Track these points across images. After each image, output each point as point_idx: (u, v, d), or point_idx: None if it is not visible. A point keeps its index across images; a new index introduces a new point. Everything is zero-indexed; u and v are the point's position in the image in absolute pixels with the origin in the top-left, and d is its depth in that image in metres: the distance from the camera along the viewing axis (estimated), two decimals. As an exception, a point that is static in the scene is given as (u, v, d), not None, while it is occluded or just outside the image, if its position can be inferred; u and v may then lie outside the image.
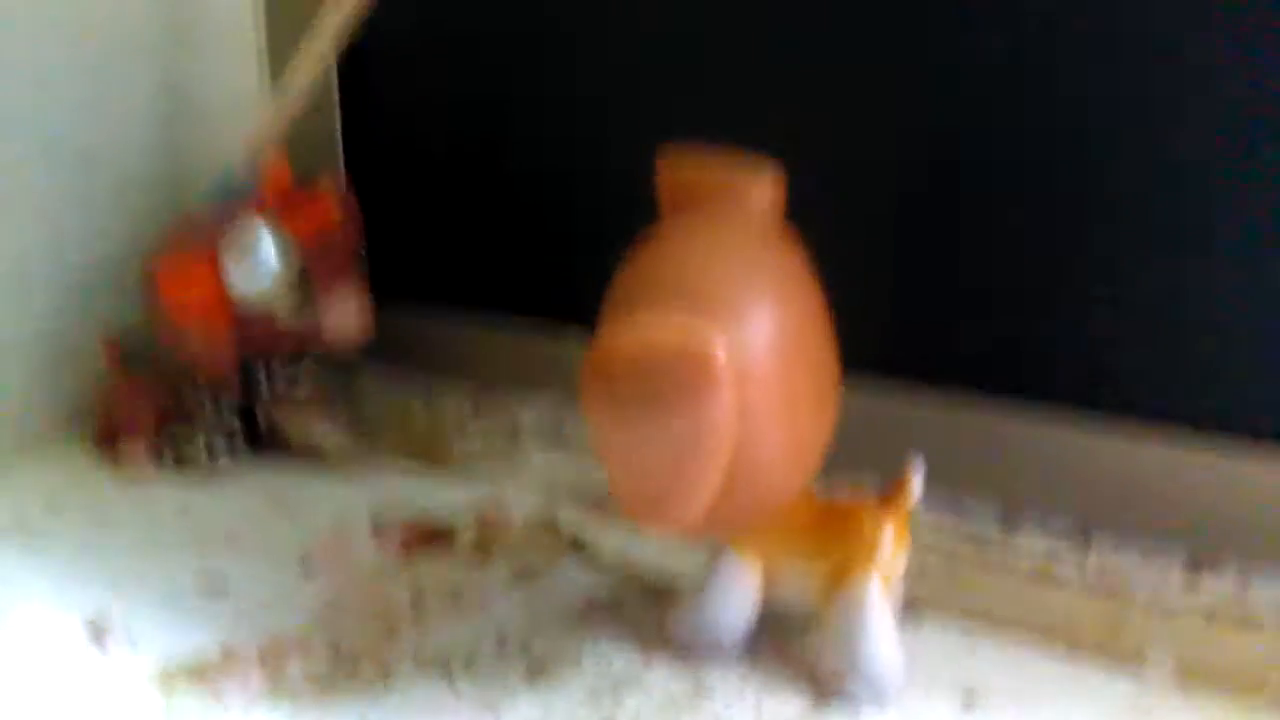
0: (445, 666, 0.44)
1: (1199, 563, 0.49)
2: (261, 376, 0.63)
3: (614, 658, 0.45)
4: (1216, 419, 0.48)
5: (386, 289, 0.68)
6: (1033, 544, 0.52)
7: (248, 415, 0.65)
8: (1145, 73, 0.48)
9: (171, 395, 0.65)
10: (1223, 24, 0.46)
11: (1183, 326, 0.49)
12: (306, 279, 0.60)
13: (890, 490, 0.43)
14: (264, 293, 0.59)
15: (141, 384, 0.65)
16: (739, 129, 0.46)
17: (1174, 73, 0.47)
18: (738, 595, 0.45)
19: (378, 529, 0.56)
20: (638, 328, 0.37)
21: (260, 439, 0.66)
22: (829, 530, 0.44)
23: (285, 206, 0.60)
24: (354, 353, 0.66)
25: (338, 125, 0.75)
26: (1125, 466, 0.50)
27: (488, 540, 0.55)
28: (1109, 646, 0.45)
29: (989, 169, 0.52)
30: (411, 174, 0.74)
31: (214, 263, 0.59)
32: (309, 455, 0.64)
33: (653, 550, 0.53)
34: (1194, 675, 0.43)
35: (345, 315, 0.61)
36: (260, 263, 0.58)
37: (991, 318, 0.53)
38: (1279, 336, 0.47)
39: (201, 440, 0.64)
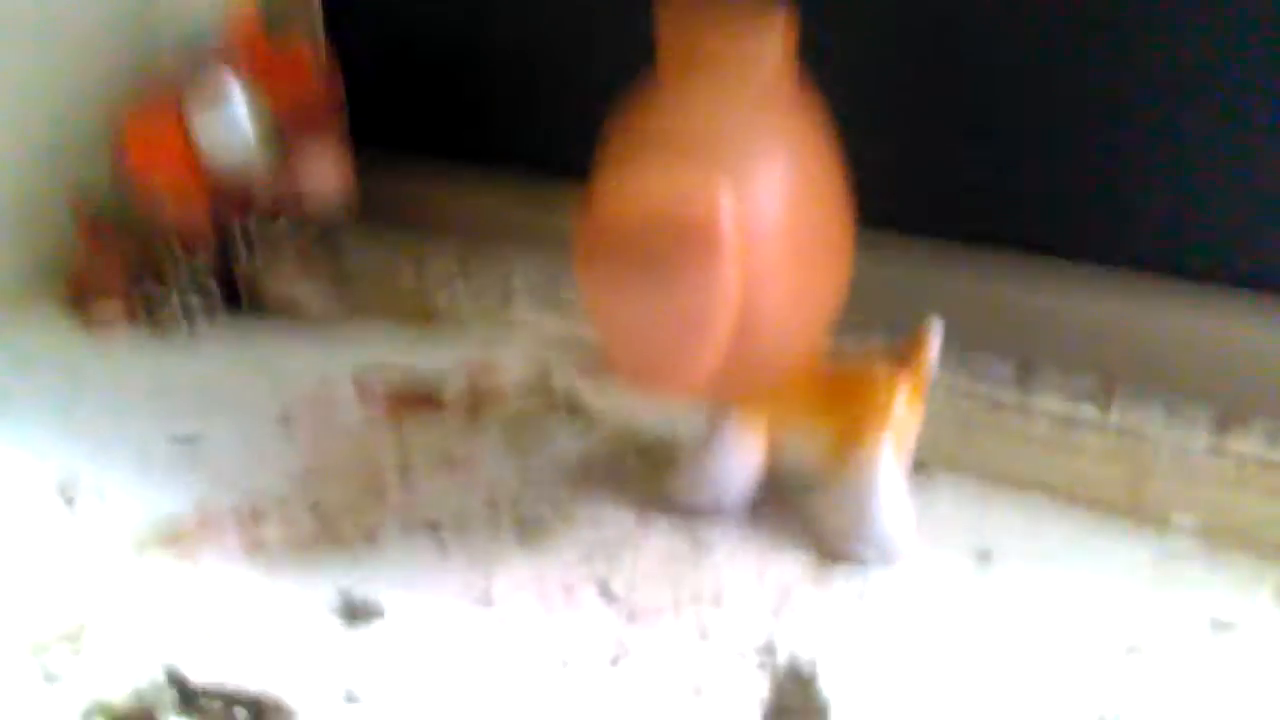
0: (433, 528, 0.42)
1: (1225, 421, 0.47)
2: (239, 237, 0.60)
3: (609, 518, 0.43)
4: (1245, 274, 0.46)
5: (372, 142, 0.65)
6: (1051, 403, 0.50)
7: (226, 278, 0.62)
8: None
9: (145, 255, 0.62)
10: None
11: (1210, 180, 0.46)
12: (283, 141, 0.57)
13: (906, 349, 0.41)
14: (235, 152, 0.56)
15: (114, 245, 0.63)
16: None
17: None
18: (740, 455, 0.43)
19: (362, 391, 0.54)
20: (636, 186, 0.35)
21: (239, 302, 0.63)
22: (840, 391, 0.41)
23: (259, 67, 0.57)
24: (337, 212, 0.62)
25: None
26: (1149, 322, 0.48)
27: (478, 402, 0.53)
28: (1130, 506, 0.43)
29: (1011, 14, 0.48)
30: (395, 25, 0.69)
31: (182, 120, 0.56)
32: (290, 316, 0.61)
33: (650, 410, 0.51)
34: (1219, 534, 0.42)
35: (323, 178, 0.59)
36: (230, 121, 0.55)
37: (1011, 170, 0.51)
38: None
39: (177, 303, 0.61)
